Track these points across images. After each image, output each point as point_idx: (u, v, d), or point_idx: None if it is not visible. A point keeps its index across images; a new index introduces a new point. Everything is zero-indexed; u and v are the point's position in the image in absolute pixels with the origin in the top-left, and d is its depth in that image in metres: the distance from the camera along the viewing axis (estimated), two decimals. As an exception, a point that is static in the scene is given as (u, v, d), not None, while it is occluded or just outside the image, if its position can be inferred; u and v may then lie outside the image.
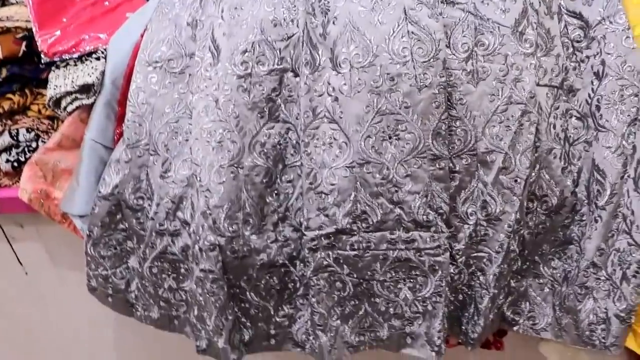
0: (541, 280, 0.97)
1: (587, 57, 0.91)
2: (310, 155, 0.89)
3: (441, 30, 0.86)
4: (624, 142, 0.88)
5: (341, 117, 0.87)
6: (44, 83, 1.07)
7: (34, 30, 1.06)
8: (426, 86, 0.85)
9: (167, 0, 1.02)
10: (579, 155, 0.92)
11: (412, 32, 0.86)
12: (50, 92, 1.04)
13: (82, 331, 1.35)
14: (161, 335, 1.08)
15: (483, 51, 0.87)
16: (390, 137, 0.87)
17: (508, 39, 0.87)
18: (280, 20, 0.90)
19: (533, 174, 0.89)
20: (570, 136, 0.92)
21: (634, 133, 0.87)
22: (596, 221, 0.90)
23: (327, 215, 0.89)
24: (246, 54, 0.89)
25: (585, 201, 0.92)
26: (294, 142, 0.92)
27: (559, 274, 0.96)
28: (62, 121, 1.08)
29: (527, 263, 0.96)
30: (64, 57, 1.04)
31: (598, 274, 0.91)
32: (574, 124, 0.92)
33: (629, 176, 0.88)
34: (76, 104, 1.03)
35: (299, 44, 0.90)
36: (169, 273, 1.00)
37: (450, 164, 0.89)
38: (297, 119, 0.91)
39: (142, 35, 1.01)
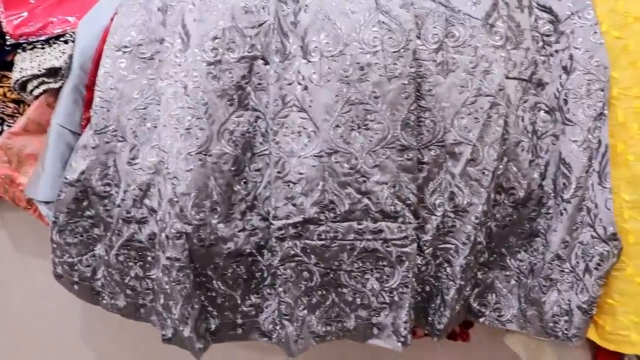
0: (507, 273, 0.98)
1: (556, 51, 0.92)
2: (278, 144, 0.89)
3: (412, 20, 0.86)
4: (589, 136, 0.89)
5: (310, 106, 0.87)
6: (10, 66, 1.05)
7: None
8: (396, 76, 0.85)
9: (139, -14, 1.01)
10: (546, 149, 0.93)
11: (383, 22, 0.85)
12: (16, 75, 1.02)
13: (48, 319, 1.33)
14: (129, 323, 1.07)
15: (453, 43, 0.88)
16: (359, 127, 0.87)
17: (478, 31, 0.87)
18: (252, 7, 0.89)
19: (501, 166, 0.89)
20: (538, 129, 0.92)
21: (600, 127, 0.88)
22: (562, 214, 0.91)
23: (294, 205, 0.89)
24: (216, 40, 0.88)
25: (552, 194, 0.93)
26: (263, 130, 0.91)
27: (525, 266, 0.97)
28: (28, 105, 1.06)
29: (494, 255, 0.97)
30: (30, 39, 1.02)
31: (562, 266, 0.92)
32: (542, 118, 0.92)
33: (594, 170, 0.89)
34: (43, 87, 1.01)
35: (270, 31, 0.89)
36: (136, 261, 0.99)
37: (419, 155, 0.89)
38: (266, 107, 0.90)
39: (112, 20, 0.99)
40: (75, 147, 0.98)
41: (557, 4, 0.92)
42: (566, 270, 0.91)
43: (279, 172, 0.89)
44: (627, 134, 0.87)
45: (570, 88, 0.90)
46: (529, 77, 0.91)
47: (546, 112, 0.92)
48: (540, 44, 0.92)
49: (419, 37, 0.87)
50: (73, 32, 1.02)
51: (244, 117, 0.90)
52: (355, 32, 0.86)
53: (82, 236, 1.01)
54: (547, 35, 0.93)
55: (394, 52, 0.85)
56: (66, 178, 0.97)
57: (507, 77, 0.88)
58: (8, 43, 1.02)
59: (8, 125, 1.08)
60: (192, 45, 0.89)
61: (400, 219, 0.89)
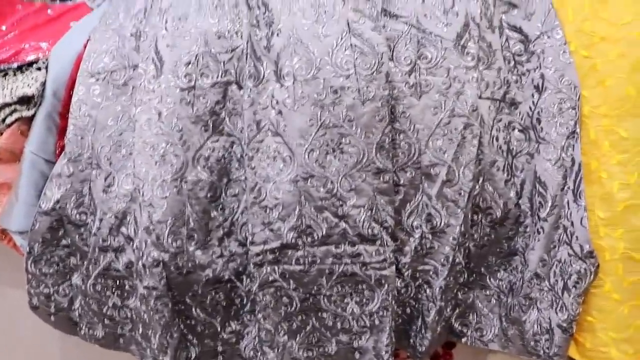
0: (488, 292, 0.98)
1: (528, 70, 0.93)
2: (254, 170, 0.88)
3: (384, 43, 0.86)
4: (563, 155, 0.89)
5: (285, 131, 0.87)
6: (-18, 94, 1.03)
7: (-30, 40, 1.03)
8: (369, 99, 0.85)
9: (111, 11, 1.01)
10: (521, 167, 0.93)
11: (356, 45, 0.86)
12: (-13, 104, 1.00)
13: (26, 350, 1.30)
14: (108, 352, 1.05)
15: (426, 64, 0.88)
16: (334, 151, 0.86)
17: (450, 53, 0.88)
18: (224, 32, 0.89)
19: (477, 186, 0.90)
20: (512, 148, 0.93)
21: (573, 145, 0.89)
22: (539, 232, 0.91)
23: (272, 230, 0.88)
24: (190, 66, 0.88)
25: (529, 213, 0.93)
26: (239, 155, 0.90)
27: (504, 285, 0.97)
28: (1, 133, 1.04)
29: (474, 275, 0.97)
30: (2, 66, 1.01)
31: (541, 285, 0.92)
32: (517, 137, 0.93)
33: (568, 188, 0.89)
34: (15, 115, 1.00)
35: (243, 56, 0.89)
36: (113, 290, 0.97)
37: (395, 177, 0.89)
38: (241, 132, 0.90)
39: (85, 46, 0.99)
40: (49, 176, 0.97)
41: (527, 24, 0.93)
42: (545, 288, 0.91)
43: (255, 198, 0.88)
44: (599, 151, 0.88)
45: (542, 107, 0.91)
46: (501, 97, 0.92)
47: (520, 131, 0.93)
48: (512, 63, 0.93)
49: (391, 60, 0.88)
50: (46, 59, 1.01)
51: (219, 142, 0.90)
52: (328, 55, 0.86)
53: (58, 266, 1.00)
54: (519, 55, 0.93)
55: (367, 75, 0.85)
56: (41, 207, 0.96)
57: (480, 98, 0.89)
58: (-21, 72, 1.01)
59: (-20, 155, 1.06)
60: (165, 72, 0.89)
61: (378, 242, 0.89)
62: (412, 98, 0.87)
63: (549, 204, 0.90)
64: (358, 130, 0.86)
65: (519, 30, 0.93)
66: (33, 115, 0.99)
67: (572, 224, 0.88)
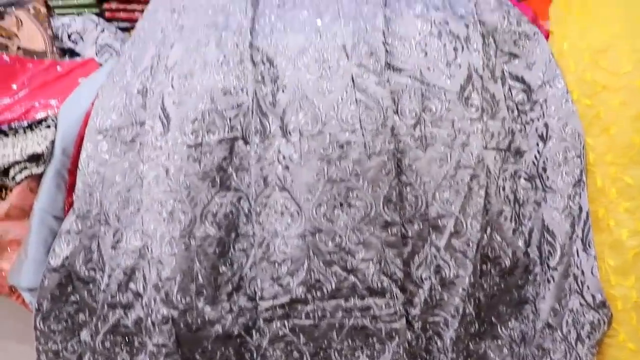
0: (499, 342, 0.97)
1: (532, 119, 0.94)
2: (262, 225, 0.89)
3: (388, 97, 0.87)
4: (570, 203, 0.89)
5: (292, 186, 0.87)
6: (-8, 152, 1.05)
7: (-18, 99, 1.04)
8: (375, 153, 0.86)
9: (118, 68, 1.02)
10: (529, 216, 0.93)
11: (360, 100, 0.87)
12: (-2, 161, 1.01)
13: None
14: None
15: (430, 117, 0.89)
16: (341, 205, 0.87)
17: (454, 105, 0.89)
18: (230, 88, 0.90)
19: (485, 236, 0.90)
20: (519, 197, 0.93)
21: (579, 194, 0.89)
22: (549, 281, 0.91)
23: (281, 285, 0.88)
24: (196, 123, 0.89)
25: (538, 261, 0.93)
26: (246, 210, 0.91)
27: (516, 335, 0.96)
28: (11, 190, 1.05)
29: (485, 325, 0.96)
30: (13, 125, 1.03)
31: (554, 335, 0.91)
32: (523, 185, 0.93)
33: (577, 236, 0.89)
34: (25, 173, 1.01)
35: (249, 112, 0.90)
36: (122, 347, 0.97)
37: (403, 230, 0.89)
38: (248, 187, 0.90)
39: (93, 103, 1.01)
40: (58, 232, 0.98)
41: (529, 74, 0.94)
42: (558, 339, 0.90)
43: (263, 253, 0.88)
44: (606, 199, 0.88)
45: (548, 155, 0.91)
46: (507, 147, 0.92)
47: (526, 179, 0.93)
48: (516, 112, 0.94)
49: (396, 113, 0.88)
50: (55, 117, 1.02)
51: (227, 198, 0.90)
52: (333, 110, 0.87)
53: (66, 322, 0.99)
54: (522, 104, 0.94)
55: (373, 129, 0.86)
56: (49, 264, 0.96)
57: (486, 148, 0.90)
58: (-10, 131, 1.02)
59: (-10, 211, 1.07)
60: (172, 129, 0.90)
61: (388, 295, 0.88)
62: (418, 151, 0.88)
63: (558, 253, 0.89)
64: (365, 184, 0.86)
65: (521, 79, 0.94)
66: (42, 172, 1.00)
67: (582, 272, 0.88)
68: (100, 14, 1.54)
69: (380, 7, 0.92)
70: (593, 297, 0.86)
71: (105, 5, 1.52)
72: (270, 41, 0.92)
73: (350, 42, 0.89)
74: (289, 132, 0.88)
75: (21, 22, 1.18)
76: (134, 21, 1.53)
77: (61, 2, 1.53)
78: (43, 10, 1.22)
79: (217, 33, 0.94)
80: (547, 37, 0.98)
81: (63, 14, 1.51)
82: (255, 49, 0.91)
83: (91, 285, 0.96)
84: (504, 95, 0.94)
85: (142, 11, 1.51)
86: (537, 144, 0.93)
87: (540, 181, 0.92)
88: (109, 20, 1.54)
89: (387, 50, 0.89)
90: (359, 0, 0.94)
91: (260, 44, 0.92)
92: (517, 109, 0.94)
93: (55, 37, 1.21)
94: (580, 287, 0.88)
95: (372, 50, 0.88)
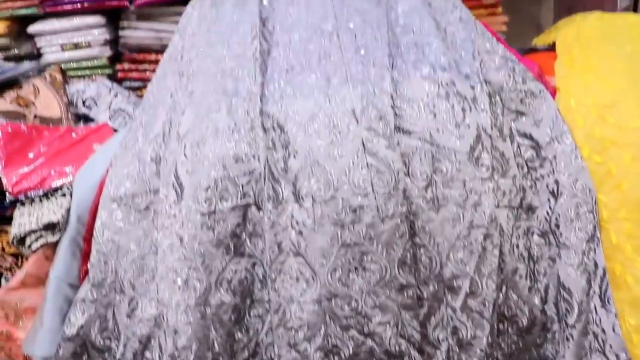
0: (520, 401, 0.95)
1: (542, 175, 0.94)
2: (277, 291, 0.89)
3: (399, 160, 0.88)
4: (585, 259, 0.89)
5: (306, 251, 0.88)
6: (9, 220, 1.06)
7: (-1, 168, 1.06)
8: (388, 217, 0.86)
9: (130, 135, 1.04)
10: (544, 272, 0.93)
11: (371, 164, 0.88)
12: (14, 230, 1.03)
13: None
14: None
15: (442, 178, 0.90)
16: (356, 269, 0.87)
17: (465, 165, 0.90)
18: (242, 155, 0.91)
19: (501, 295, 0.89)
20: (533, 254, 0.93)
21: (594, 249, 0.89)
22: (568, 339, 0.90)
23: (298, 351, 0.87)
24: (209, 190, 0.90)
25: (556, 319, 0.92)
26: (261, 276, 0.91)
27: (538, 394, 0.94)
28: (27, 258, 1.06)
29: (505, 385, 0.94)
30: (29, 194, 1.04)
31: (577, 395, 0.89)
32: (537, 241, 0.93)
33: (594, 292, 0.88)
34: (41, 242, 1.02)
35: (261, 179, 0.91)
36: (139, 416, 0.96)
37: (418, 292, 0.88)
38: (262, 253, 0.90)
39: (107, 171, 1.02)
40: (73, 301, 0.98)
41: (537, 131, 0.95)
42: (580, 399, 0.89)
43: (280, 319, 0.88)
44: (622, 255, 0.88)
45: (559, 212, 0.91)
46: (519, 204, 0.92)
47: (539, 235, 0.93)
48: (526, 169, 0.95)
49: (407, 175, 0.89)
50: (70, 185, 1.04)
51: (241, 264, 0.90)
52: (345, 175, 0.88)
53: (82, 391, 0.99)
54: (531, 161, 0.95)
55: (385, 192, 0.87)
56: (64, 333, 0.96)
57: (498, 207, 0.90)
58: (7, 200, 1.04)
59: (5, 279, 1.08)
60: (185, 197, 0.91)
61: (406, 358, 0.87)
62: (431, 212, 0.88)
63: (576, 310, 0.89)
64: (379, 247, 0.86)
65: (529, 136, 0.95)
66: (58, 240, 1.01)
67: (603, 330, 0.87)
68: (113, 74, 1.59)
69: (388, 70, 0.94)
70: (617, 356, 0.85)
71: (118, 66, 1.57)
72: (280, 107, 0.93)
73: (359, 106, 0.90)
74: (302, 198, 0.89)
75: (38, 90, 1.21)
76: (145, 80, 1.58)
77: (75, 64, 1.58)
78: (59, 77, 1.26)
79: (227, 99, 0.96)
80: (553, 93, 0.99)
81: (78, 76, 1.56)
82: (265, 115, 0.93)
83: (107, 355, 0.96)
84: (514, 153, 0.94)
85: (153, 71, 1.55)
86: (549, 200, 0.93)
87: (554, 237, 0.92)
88: (121, 80, 1.58)
89: (395, 113, 0.91)
90: (366, 62, 0.96)
91: (270, 110, 0.93)
92: (527, 165, 0.95)
93: (70, 103, 1.24)
94: (602, 345, 0.87)
95: (381, 114, 0.90)
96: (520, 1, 1.79)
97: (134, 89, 1.57)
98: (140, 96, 1.57)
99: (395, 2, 1.06)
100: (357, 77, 0.94)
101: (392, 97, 0.91)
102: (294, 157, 0.91)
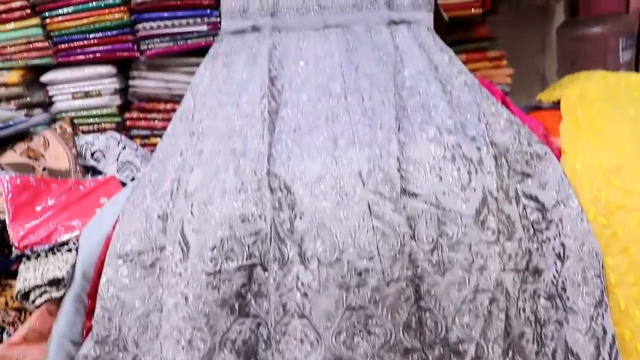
0: None
1: (548, 238, 0.94)
2: (282, 353, 0.88)
3: (405, 223, 0.88)
4: (593, 325, 0.88)
5: (311, 313, 0.87)
6: (14, 274, 1.06)
7: (6, 221, 1.07)
8: (394, 280, 0.86)
9: (138, 191, 1.05)
10: (551, 336, 0.91)
11: (377, 227, 0.88)
12: (19, 285, 1.03)
13: None
14: None
15: (447, 242, 0.89)
16: (361, 332, 0.86)
17: (471, 229, 0.89)
18: (248, 215, 0.92)
19: None
20: (540, 317, 0.92)
21: (602, 315, 0.88)
22: (577, 407, 0.88)
23: (301, 414, 0.86)
24: (215, 250, 0.90)
25: None
26: (265, 337, 0.90)
27: None
28: (30, 313, 1.06)
29: None
30: (35, 248, 1.05)
31: None
32: (543, 305, 0.92)
33: (603, 359, 0.87)
34: (45, 297, 1.02)
35: (267, 239, 0.91)
36: None
37: (423, 356, 0.87)
38: (267, 313, 0.90)
39: (113, 227, 1.03)
40: (75, 358, 0.97)
41: (542, 193, 0.95)
42: None
43: (284, 383, 0.87)
44: (631, 322, 0.87)
45: (566, 275, 0.91)
46: (525, 267, 0.92)
47: (546, 298, 0.92)
48: (531, 232, 0.94)
49: (413, 239, 0.89)
50: (77, 240, 1.04)
51: (246, 324, 0.90)
52: (350, 238, 0.88)
53: None
54: (537, 223, 0.95)
55: (390, 256, 0.87)
56: (66, 391, 0.95)
57: (504, 270, 0.89)
58: (13, 254, 1.04)
59: (8, 334, 1.08)
60: (191, 256, 0.91)
61: None
62: (436, 276, 0.88)
63: (585, 377, 0.87)
64: (384, 311, 0.86)
65: (535, 199, 0.95)
66: (62, 296, 1.01)
67: (614, 399, 0.85)
68: (121, 123, 1.62)
69: (394, 133, 0.95)
70: None
71: (127, 115, 1.60)
72: (288, 168, 0.94)
73: (366, 169, 0.91)
74: (308, 260, 0.89)
75: (48, 142, 1.23)
76: (153, 129, 1.60)
77: (85, 112, 1.61)
78: (69, 129, 1.28)
79: (235, 159, 0.96)
80: (558, 154, 1.00)
81: (87, 124, 1.59)
82: (272, 175, 0.94)
83: (108, 413, 0.95)
84: (519, 215, 0.94)
85: (162, 120, 1.59)
86: (555, 263, 0.92)
87: (561, 301, 0.91)
88: (129, 128, 1.61)
89: (402, 176, 0.91)
90: (373, 125, 0.97)
91: (277, 171, 0.94)
92: (533, 227, 0.95)
93: (79, 155, 1.25)
94: (612, 414, 0.85)
95: (388, 177, 0.90)
96: (524, 53, 1.82)
97: (142, 137, 1.60)
98: (148, 144, 1.59)
99: (402, 65, 1.08)
100: (364, 139, 0.95)
101: (398, 159, 0.92)
102: (300, 218, 0.91)
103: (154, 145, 1.59)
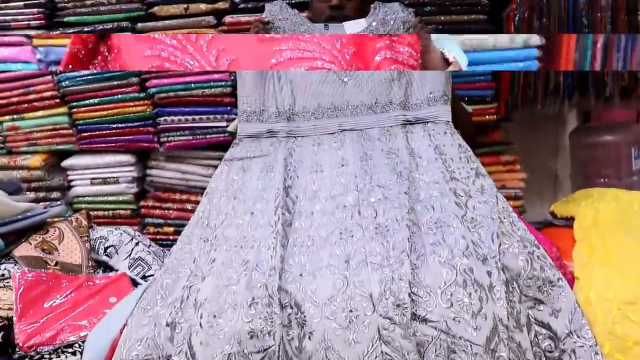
0: None
1: (561, 369, 0.92)
2: None
3: (414, 350, 0.87)
4: None
5: None
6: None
7: (14, 319, 1.06)
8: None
9: (150, 296, 1.04)
10: None
11: (386, 353, 0.86)
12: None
13: None
14: None
15: (457, 374, 0.87)
16: None
17: (481, 358, 0.88)
18: (257, 332, 0.91)
19: None
20: None
21: None
22: None
23: None
24: (222, 365, 0.89)
25: None
26: None
27: None
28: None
29: None
30: (39, 349, 1.04)
31: None
32: None
33: None
34: (47, 399, 1.00)
35: (275, 357, 0.90)
36: None
37: None
38: None
39: (121, 331, 1.02)
40: None
41: (555, 322, 0.93)
42: None
43: None
44: None
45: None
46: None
47: None
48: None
49: (421, 366, 0.87)
50: (82, 342, 1.03)
51: None
52: (359, 362, 0.86)
53: None
54: (549, 352, 0.93)
55: (398, 383, 0.85)
56: None
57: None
58: (17, 355, 1.03)
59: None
60: (197, 370, 0.90)
61: None
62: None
63: None
64: None
65: (547, 326, 0.94)
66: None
67: None
68: (136, 210, 1.64)
69: (407, 254, 0.94)
70: None
71: (142, 203, 1.62)
72: (299, 285, 0.94)
73: (377, 291, 0.90)
74: (314, 384, 0.87)
75: (63, 235, 1.25)
76: (167, 219, 1.62)
77: (101, 198, 1.64)
78: (85, 222, 1.29)
79: (247, 272, 0.97)
80: (571, 280, 0.98)
81: (103, 209, 1.61)
82: (283, 291, 0.93)
83: None
84: (531, 343, 0.92)
85: (176, 210, 1.61)
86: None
87: None
88: (144, 216, 1.63)
89: (412, 300, 0.90)
90: (386, 244, 0.97)
91: (289, 287, 0.94)
92: (545, 356, 0.93)
93: (92, 249, 1.26)
94: None
95: (399, 301, 0.89)
96: (537, 155, 1.84)
97: (155, 226, 1.62)
98: (161, 233, 1.61)
99: (417, 173, 1.09)
100: (376, 259, 0.95)
101: (410, 283, 0.91)
102: (309, 338, 0.90)
103: (167, 234, 1.61)
